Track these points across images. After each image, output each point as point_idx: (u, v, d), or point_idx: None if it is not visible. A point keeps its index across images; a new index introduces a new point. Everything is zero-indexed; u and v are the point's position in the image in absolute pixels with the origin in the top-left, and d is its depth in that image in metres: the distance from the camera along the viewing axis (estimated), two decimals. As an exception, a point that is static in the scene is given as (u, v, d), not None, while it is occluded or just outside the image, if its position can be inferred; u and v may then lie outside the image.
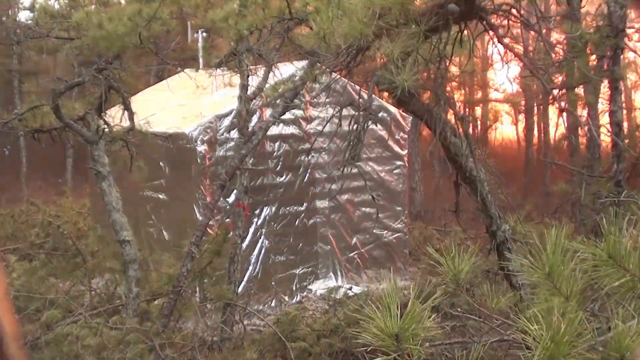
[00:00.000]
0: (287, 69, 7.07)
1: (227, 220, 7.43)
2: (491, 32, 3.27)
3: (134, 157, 6.62)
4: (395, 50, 2.53)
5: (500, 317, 2.62)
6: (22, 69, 15.92)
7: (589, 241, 1.89)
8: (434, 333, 1.85)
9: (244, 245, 7.65)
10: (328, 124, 6.19)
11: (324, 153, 9.00)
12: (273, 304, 8.52)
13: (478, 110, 18.34)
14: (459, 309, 4.81)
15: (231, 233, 6.53)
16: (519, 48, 3.61)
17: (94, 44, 5.29)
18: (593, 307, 2.11)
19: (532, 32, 3.74)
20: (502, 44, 3.24)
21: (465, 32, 3.31)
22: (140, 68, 12.78)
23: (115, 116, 6.52)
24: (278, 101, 5.80)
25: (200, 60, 10.41)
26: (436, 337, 2.00)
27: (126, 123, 6.52)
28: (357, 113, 3.46)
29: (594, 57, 7.33)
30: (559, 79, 7.04)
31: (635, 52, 7.74)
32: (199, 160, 7.75)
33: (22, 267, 7.38)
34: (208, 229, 6.62)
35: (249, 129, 6.40)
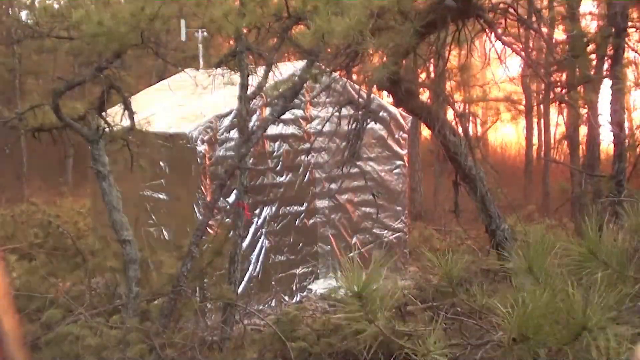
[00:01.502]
0: (287, 69, 7.06)
1: (227, 220, 7.43)
2: (489, 30, 3.27)
3: (134, 156, 6.62)
4: (392, 43, 2.54)
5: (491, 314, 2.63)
6: (22, 69, 15.92)
7: (573, 238, 1.92)
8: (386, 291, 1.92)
9: (244, 245, 7.65)
10: (328, 123, 6.19)
11: (323, 152, 9.00)
12: (273, 304, 8.53)
13: (478, 110, 18.32)
14: (458, 309, 4.80)
15: (231, 233, 6.53)
16: (518, 46, 3.60)
17: (93, 42, 5.29)
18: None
19: (532, 32, 3.73)
20: (500, 40, 3.23)
21: (464, 30, 3.30)
22: (141, 68, 12.80)
23: (115, 116, 6.52)
24: (277, 100, 5.79)
25: (201, 59, 10.41)
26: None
27: (126, 123, 6.51)
28: (356, 112, 3.45)
29: (594, 56, 7.32)
30: (560, 77, 7.04)
31: (636, 51, 7.72)
32: (199, 160, 7.75)
33: (22, 266, 7.39)
34: (208, 229, 6.62)
35: (249, 129, 6.40)
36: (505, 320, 1.73)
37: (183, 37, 9.82)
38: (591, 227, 1.87)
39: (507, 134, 19.97)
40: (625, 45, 6.47)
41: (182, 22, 9.39)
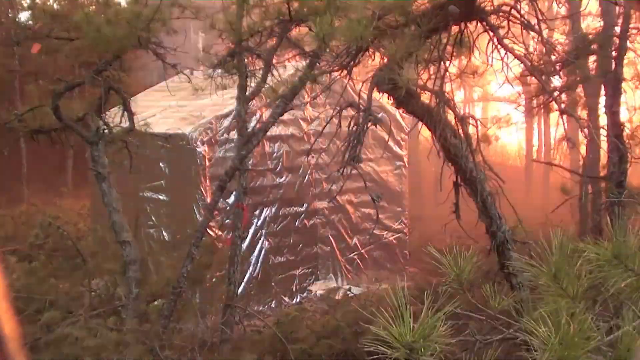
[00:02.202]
0: (286, 70, 7.05)
1: (227, 221, 7.41)
2: (491, 33, 3.26)
3: (133, 158, 6.60)
4: (399, 51, 2.53)
5: (501, 317, 2.60)
6: (22, 70, 15.89)
7: (593, 242, 1.84)
8: (445, 342, 1.80)
9: (244, 246, 7.64)
10: (328, 124, 6.17)
11: (323, 154, 8.99)
12: (273, 305, 8.52)
13: (478, 112, 18.33)
14: (459, 308, 4.79)
15: (231, 234, 6.51)
16: (520, 49, 3.59)
17: (93, 44, 5.29)
18: (596, 308, 2.08)
19: (533, 33, 3.73)
20: (502, 45, 3.22)
21: (466, 32, 3.29)
22: (141, 69, 12.77)
23: (115, 116, 6.51)
24: (277, 102, 5.78)
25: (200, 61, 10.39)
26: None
27: (126, 124, 6.50)
28: (356, 114, 3.45)
29: (594, 58, 7.30)
30: (561, 79, 7.02)
31: (635, 52, 7.71)
32: (198, 161, 7.74)
33: (22, 268, 7.37)
34: (208, 230, 6.61)
35: (248, 130, 6.38)
36: (544, 343, 1.62)
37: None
38: (615, 229, 1.77)
39: (507, 134, 19.96)
40: (627, 47, 6.46)
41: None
